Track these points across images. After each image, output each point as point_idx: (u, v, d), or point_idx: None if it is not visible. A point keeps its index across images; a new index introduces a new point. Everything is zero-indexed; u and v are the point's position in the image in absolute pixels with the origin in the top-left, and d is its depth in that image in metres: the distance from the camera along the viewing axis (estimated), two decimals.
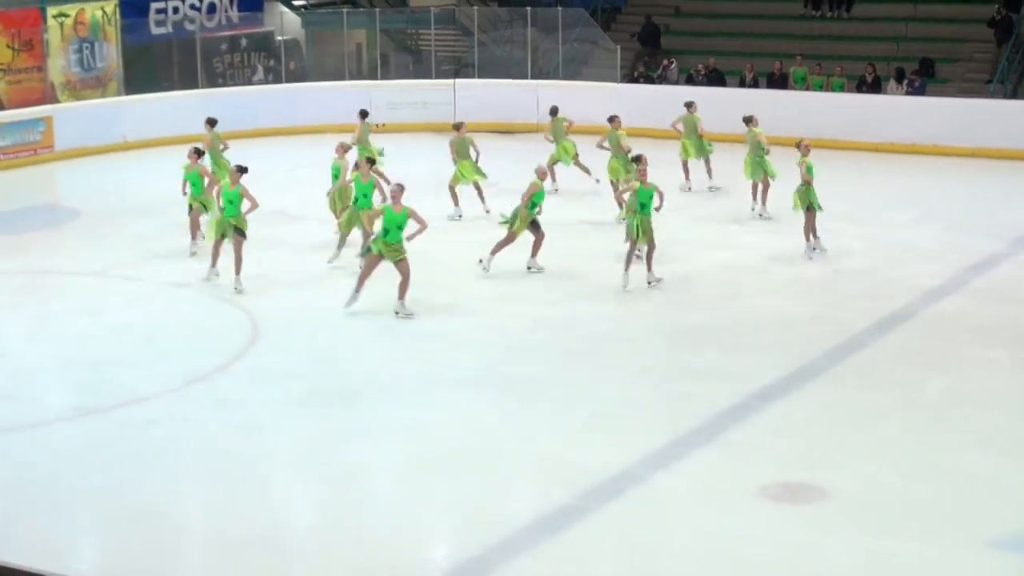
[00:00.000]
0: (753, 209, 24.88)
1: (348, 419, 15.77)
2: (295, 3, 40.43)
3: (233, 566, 12.48)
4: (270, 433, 15.47)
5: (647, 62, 37.43)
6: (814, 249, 21.95)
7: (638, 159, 20.83)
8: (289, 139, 32.96)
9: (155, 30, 35.88)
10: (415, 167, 26.98)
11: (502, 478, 14.19)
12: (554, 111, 27.55)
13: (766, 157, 24.61)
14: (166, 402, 16.28)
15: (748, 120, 25.35)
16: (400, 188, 19.02)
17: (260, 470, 14.49)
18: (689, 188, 26.98)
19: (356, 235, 21.46)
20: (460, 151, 25.08)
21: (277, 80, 36.98)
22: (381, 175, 22.51)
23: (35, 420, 15.76)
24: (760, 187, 24.86)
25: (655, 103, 33.37)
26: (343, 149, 23.06)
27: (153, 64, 36.84)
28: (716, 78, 34.75)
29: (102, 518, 13.58)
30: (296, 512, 13.76)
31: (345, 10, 39.35)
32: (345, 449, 14.93)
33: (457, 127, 25.77)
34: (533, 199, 20.79)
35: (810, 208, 21.84)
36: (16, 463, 14.65)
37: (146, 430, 15.42)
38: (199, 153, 22.85)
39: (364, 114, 26.94)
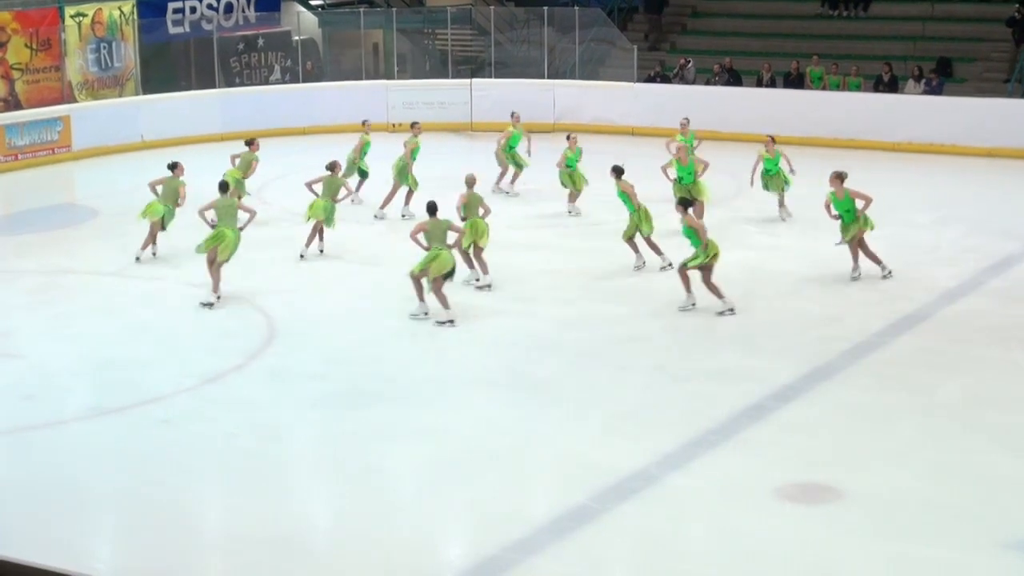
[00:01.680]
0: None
1: (365, 419, 15.78)
2: (312, 3, 40.48)
3: (250, 566, 12.50)
4: (287, 433, 15.51)
5: (655, 35, 37.88)
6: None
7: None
8: (306, 139, 32.99)
9: (172, 30, 35.97)
10: (431, 166, 26.99)
11: (519, 478, 14.20)
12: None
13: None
14: (183, 402, 16.31)
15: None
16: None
17: (277, 470, 14.52)
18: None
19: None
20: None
21: (294, 80, 37.05)
22: None
23: (53, 419, 15.80)
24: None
25: (672, 103, 33.41)
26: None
27: (170, 64, 36.95)
28: (733, 77, 34.72)
29: (119, 517, 13.62)
30: (314, 512, 13.79)
31: (362, 10, 39.42)
32: (363, 449, 14.94)
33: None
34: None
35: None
36: (34, 462, 14.70)
37: (163, 429, 15.46)
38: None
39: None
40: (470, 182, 20.97)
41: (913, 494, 13.60)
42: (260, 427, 15.58)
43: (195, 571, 12.51)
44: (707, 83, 35.10)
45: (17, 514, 13.42)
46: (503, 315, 19.47)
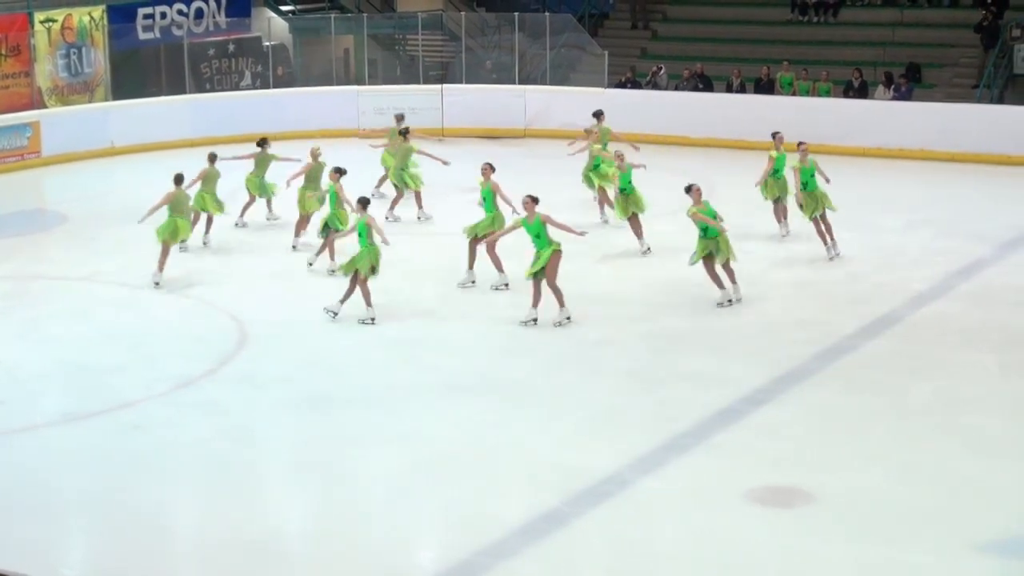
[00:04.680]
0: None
1: (337, 424, 15.77)
2: (283, 8, 40.39)
3: (223, 571, 12.48)
4: (259, 438, 15.49)
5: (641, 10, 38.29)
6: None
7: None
8: (277, 144, 32.86)
9: (143, 35, 35.78)
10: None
11: (491, 482, 14.20)
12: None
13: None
14: (155, 407, 16.26)
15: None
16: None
17: (249, 475, 14.50)
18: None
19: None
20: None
21: (265, 85, 36.91)
22: None
23: (23, 424, 15.74)
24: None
25: (643, 109, 33.47)
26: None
27: (140, 69, 36.77)
28: (705, 83, 34.80)
29: (91, 523, 13.58)
30: (286, 517, 13.75)
31: (333, 15, 39.32)
32: (335, 454, 14.92)
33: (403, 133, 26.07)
34: None
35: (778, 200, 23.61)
36: (4, 467, 14.63)
37: (135, 435, 15.42)
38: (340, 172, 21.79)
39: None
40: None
41: (885, 497, 13.66)
42: (232, 432, 15.55)
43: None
44: (675, 88, 35.13)
45: None
46: (474, 320, 19.47)
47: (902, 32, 36.09)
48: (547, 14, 37.64)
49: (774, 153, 23.81)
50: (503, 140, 32.84)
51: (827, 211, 22.35)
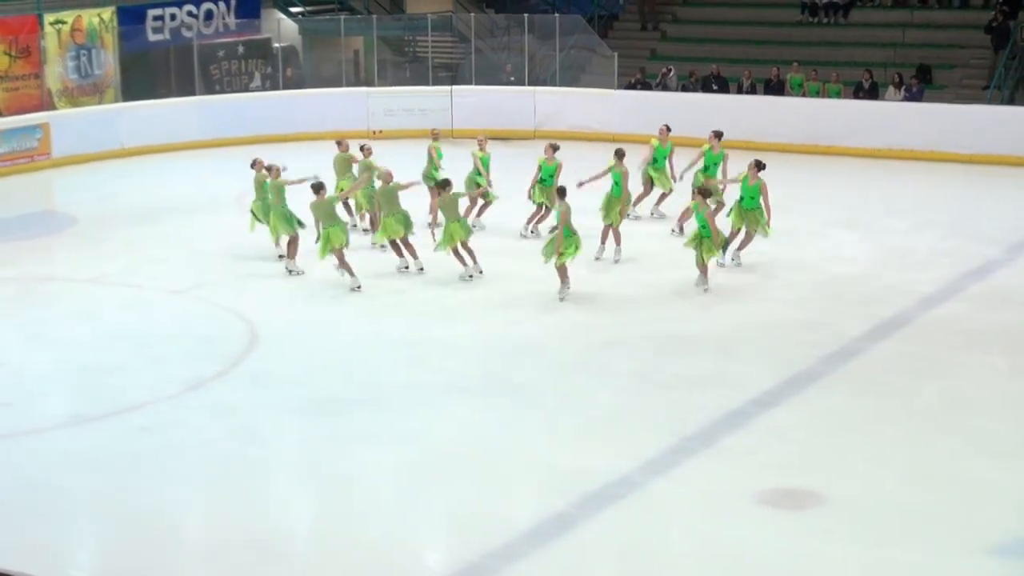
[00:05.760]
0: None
1: (345, 426, 15.77)
2: (292, 10, 40.43)
3: (230, 571, 12.49)
4: (267, 439, 15.49)
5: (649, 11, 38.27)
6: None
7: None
8: (286, 146, 32.91)
9: (152, 37, 35.84)
10: (415, 172, 26.90)
11: (499, 485, 14.19)
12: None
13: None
14: (163, 408, 16.27)
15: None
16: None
17: (258, 476, 14.50)
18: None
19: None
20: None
21: (274, 87, 36.96)
22: None
23: (31, 427, 15.75)
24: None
25: (651, 110, 33.43)
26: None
27: (150, 71, 36.82)
28: (720, 85, 34.77)
29: (98, 524, 13.59)
30: (293, 518, 13.76)
31: (342, 17, 39.35)
32: (342, 456, 14.92)
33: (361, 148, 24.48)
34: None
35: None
36: (12, 470, 14.64)
37: (143, 436, 15.43)
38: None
39: None
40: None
41: (894, 498, 13.64)
42: (241, 433, 15.56)
43: None
44: (682, 89, 35.11)
45: None
46: (482, 321, 19.48)
47: (912, 33, 36.05)
48: (557, 15, 37.65)
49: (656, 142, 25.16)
50: (512, 141, 32.79)
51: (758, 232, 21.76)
